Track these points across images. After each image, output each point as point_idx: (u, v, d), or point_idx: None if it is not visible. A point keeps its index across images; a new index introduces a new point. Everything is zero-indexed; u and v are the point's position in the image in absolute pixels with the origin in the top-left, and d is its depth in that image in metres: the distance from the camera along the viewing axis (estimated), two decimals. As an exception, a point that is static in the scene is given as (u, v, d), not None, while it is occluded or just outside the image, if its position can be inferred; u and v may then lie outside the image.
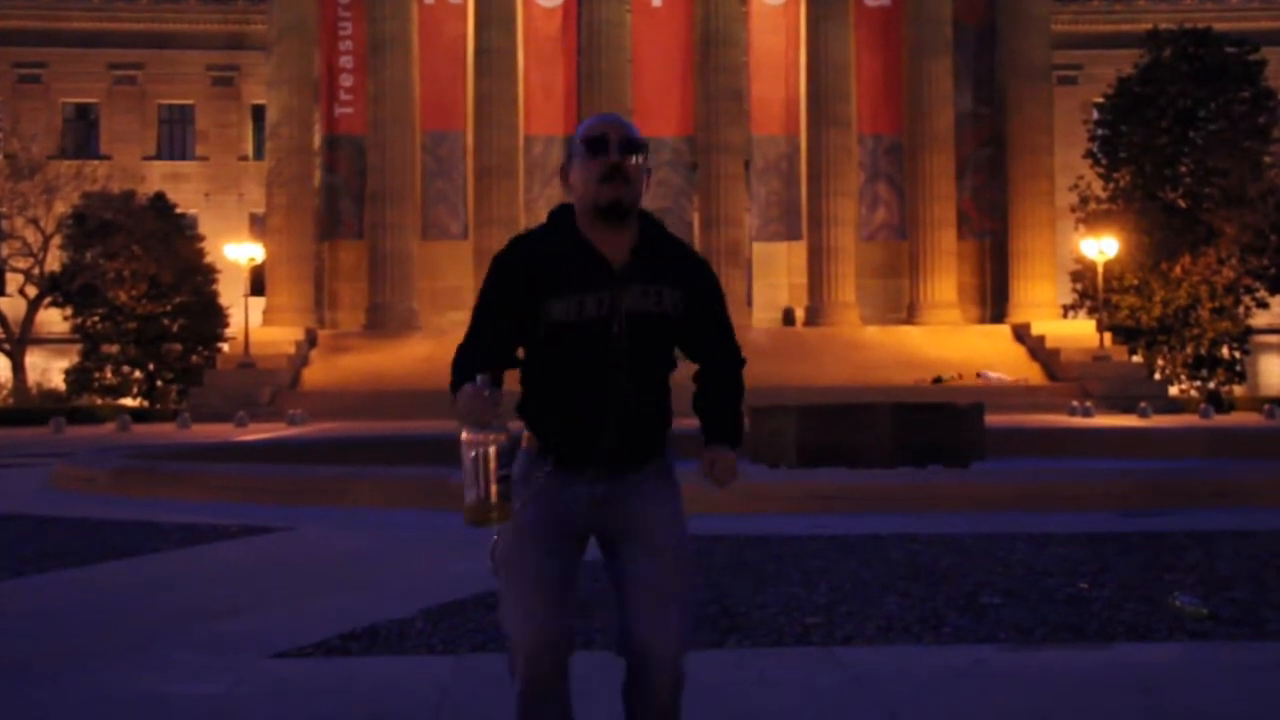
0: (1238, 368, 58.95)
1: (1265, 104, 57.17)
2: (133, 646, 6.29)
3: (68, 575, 8.84)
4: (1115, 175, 58.59)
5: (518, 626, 3.40)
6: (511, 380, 3.42)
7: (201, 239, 61.35)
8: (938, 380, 49.65)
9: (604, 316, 3.39)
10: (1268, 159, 57.05)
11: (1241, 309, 57.64)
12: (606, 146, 3.45)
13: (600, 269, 3.42)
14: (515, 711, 3.46)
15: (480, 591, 7.56)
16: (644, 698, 3.41)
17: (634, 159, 3.46)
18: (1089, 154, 59.74)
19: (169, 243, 58.07)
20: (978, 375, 51.54)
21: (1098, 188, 59.04)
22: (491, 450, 3.17)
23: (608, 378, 3.41)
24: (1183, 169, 57.45)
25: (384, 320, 56.95)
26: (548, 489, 3.42)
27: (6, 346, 58.13)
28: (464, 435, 3.22)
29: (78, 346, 59.52)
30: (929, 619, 6.69)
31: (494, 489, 3.19)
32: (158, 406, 56.26)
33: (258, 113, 65.09)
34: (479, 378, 3.31)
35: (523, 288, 3.42)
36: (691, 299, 3.53)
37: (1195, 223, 56.14)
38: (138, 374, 58.70)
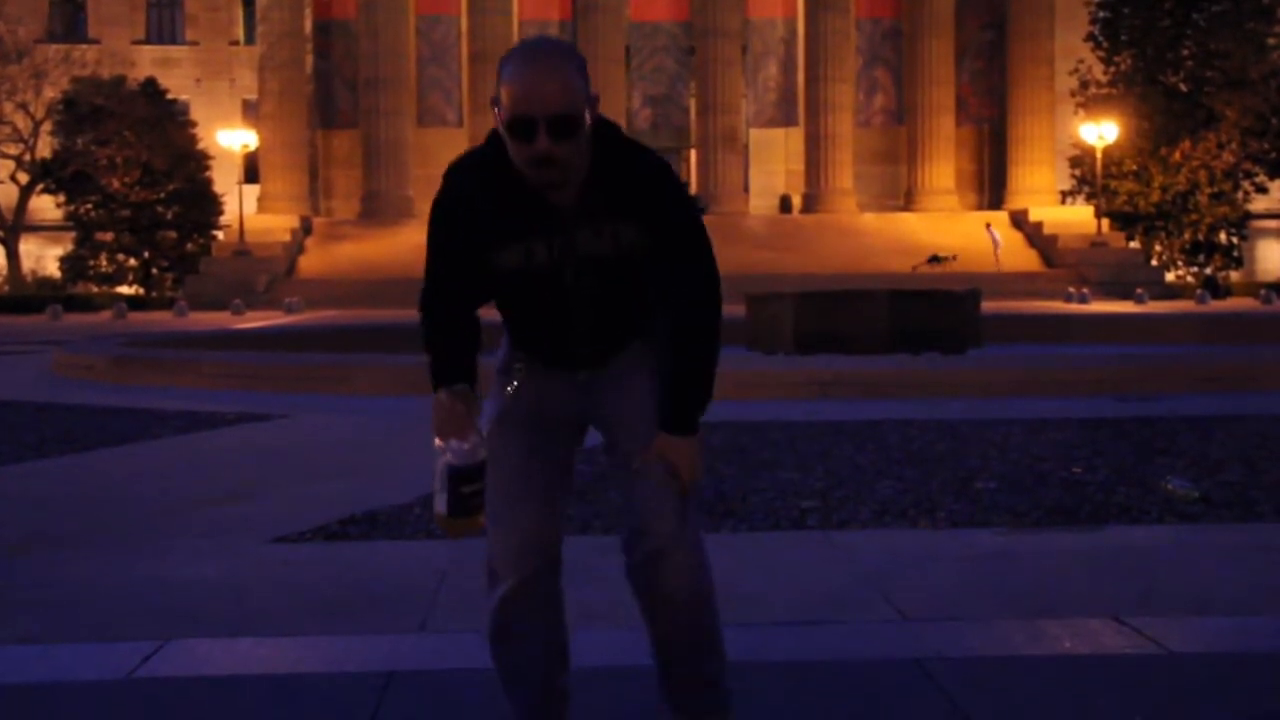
0: (1235, 253, 58.88)
1: (1270, -17, 56.44)
2: (132, 532, 6.34)
3: (67, 461, 8.89)
4: (1116, 59, 58.00)
5: (499, 525, 3.17)
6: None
7: (194, 125, 60.83)
8: (934, 259, 49.73)
9: (555, 262, 3.03)
10: (1271, 40, 56.41)
11: (1240, 194, 57.42)
12: (533, 132, 2.87)
13: (545, 212, 3.00)
14: (493, 618, 3.26)
15: (478, 477, 7.61)
16: (657, 588, 3.14)
17: (569, 140, 2.89)
18: (1090, 37, 59.05)
19: (161, 129, 57.57)
20: (986, 226, 52.34)
21: (1098, 72, 58.45)
22: (450, 464, 3.01)
23: (571, 317, 3.11)
24: (1184, 51, 56.86)
25: (380, 208, 56.70)
26: (528, 380, 3.21)
27: (0, 234, 57.86)
28: (436, 442, 3.07)
29: (72, 234, 59.28)
30: (924, 503, 6.74)
31: (451, 504, 3.07)
32: (154, 294, 56.22)
33: (248, -4, 64.19)
34: (451, 391, 3.10)
35: (467, 233, 3.06)
36: (651, 233, 3.05)
37: (1196, 107, 55.69)
38: (133, 262, 58.55)
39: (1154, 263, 55.64)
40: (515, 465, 3.17)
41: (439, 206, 3.09)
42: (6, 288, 56.60)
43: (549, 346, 3.18)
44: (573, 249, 3.03)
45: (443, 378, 3.15)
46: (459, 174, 3.08)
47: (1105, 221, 54.09)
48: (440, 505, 3.06)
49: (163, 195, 57.86)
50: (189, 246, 58.34)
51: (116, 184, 56.73)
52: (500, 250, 3.04)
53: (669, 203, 3.07)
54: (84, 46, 61.81)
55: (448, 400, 3.09)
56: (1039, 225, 54.99)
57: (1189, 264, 58.00)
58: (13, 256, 58.04)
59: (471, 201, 3.03)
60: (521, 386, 3.22)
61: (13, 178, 58.25)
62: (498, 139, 3.01)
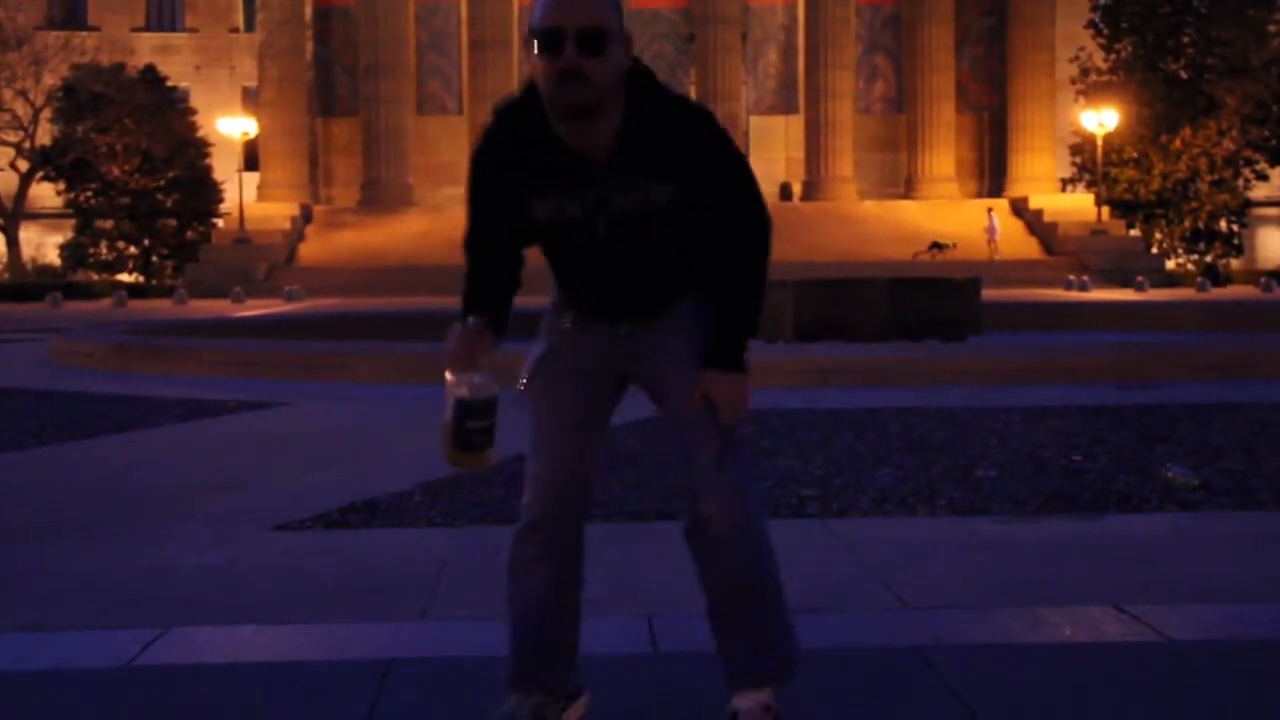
0: (1235, 241, 58.85)
1: (1271, -30, 56.35)
2: (133, 519, 6.34)
3: (67, 449, 8.89)
4: (1117, 46, 57.93)
5: (534, 461, 3.23)
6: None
7: (193, 113, 60.77)
8: (935, 246, 49.82)
9: (587, 218, 3.04)
10: (1272, 27, 56.33)
11: (1241, 181, 57.36)
12: (561, 43, 2.86)
13: (576, 168, 3.01)
14: (511, 548, 3.26)
15: (478, 465, 7.61)
16: (707, 548, 3.13)
17: (597, 58, 2.87)
18: (1090, 24, 58.96)
19: (161, 116, 57.52)
20: (989, 210, 52.62)
21: (1098, 59, 58.39)
22: (459, 397, 3.02)
23: (607, 270, 3.13)
24: (1185, 38, 56.79)
25: (379, 196, 56.66)
26: (569, 331, 3.24)
27: (0, 221, 57.83)
28: (447, 375, 3.08)
29: (72, 222, 59.25)
30: (924, 492, 6.74)
31: (457, 439, 3.07)
32: (154, 282, 56.21)
33: (248, -17, 64.06)
34: (470, 320, 3.13)
35: (503, 182, 3.09)
36: (694, 187, 3.03)
37: (1196, 94, 55.62)
38: (133, 249, 58.55)
39: (1154, 250, 55.62)
40: (552, 408, 3.23)
41: (478, 153, 3.13)
42: (6, 275, 56.59)
43: (590, 296, 3.21)
44: (604, 206, 3.04)
45: (467, 306, 3.20)
46: (497, 121, 3.10)
47: (1105, 209, 54.06)
48: (446, 440, 3.07)
49: (163, 183, 57.82)
50: (189, 234, 58.32)
51: (116, 171, 56.68)
52: (533, 202, 3.07)
53: (711, 155, 3.05)
54: (83, 33, 61.74)
55: (462, 332, 3.13)
56: (1039, 213, 54.97)
57: (1189, 252, 57.97)
58: (13, 244, 58.01)
59: (507, 150, 3.06)
60: (566, 332, 3.25)
61: (13, 165, 58.21)
62: (535, 90, 3.02)
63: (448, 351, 3.11)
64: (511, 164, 3.05)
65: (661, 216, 3.05)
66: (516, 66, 57.95)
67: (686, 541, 3.20)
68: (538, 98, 3.00)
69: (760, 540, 3.18)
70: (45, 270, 59.00)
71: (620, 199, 3.03)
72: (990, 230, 51.55)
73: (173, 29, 68.14)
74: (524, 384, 3.27)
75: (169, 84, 60.89)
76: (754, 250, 3.10)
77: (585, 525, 3.32)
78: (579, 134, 2.99)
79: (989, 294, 20.65)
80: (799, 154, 59.58)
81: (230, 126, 55.16)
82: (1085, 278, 45.66)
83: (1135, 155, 56.22)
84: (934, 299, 17.24)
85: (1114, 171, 56.14)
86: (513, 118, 3.07)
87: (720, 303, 3.10)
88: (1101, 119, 53.35)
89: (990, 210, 53.02)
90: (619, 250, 3.09)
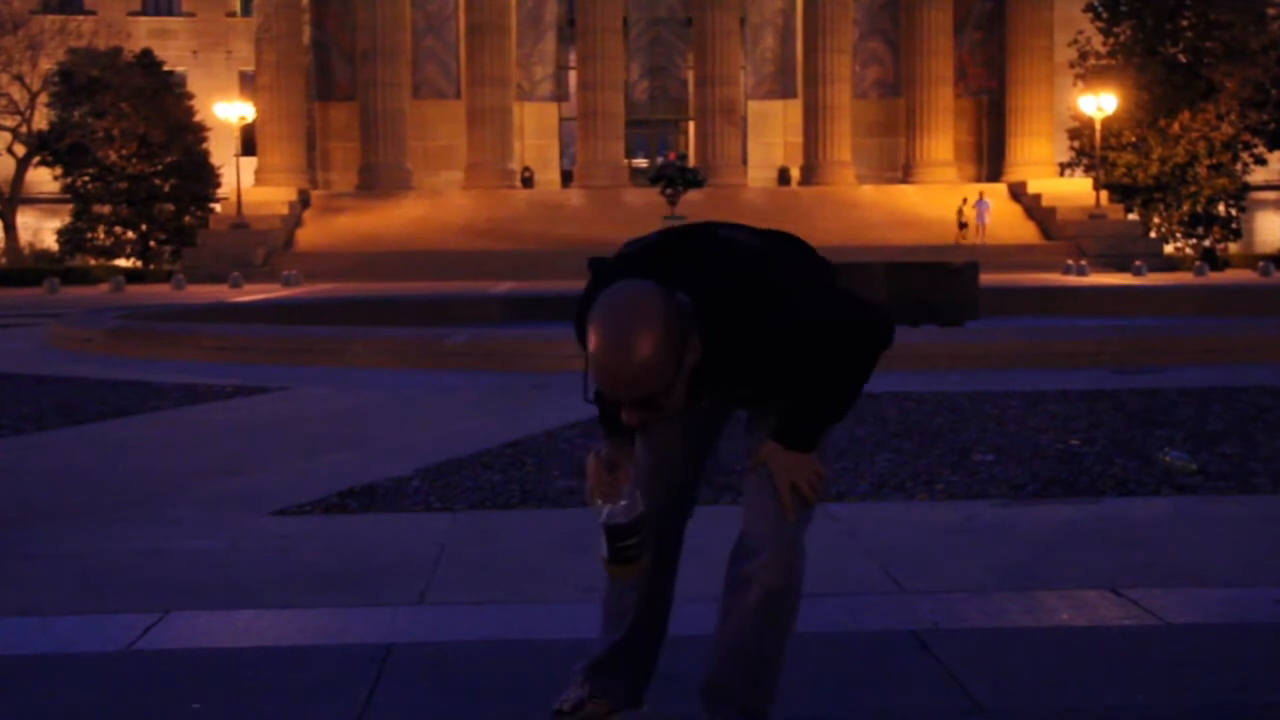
0: (1234, 225, 58.82)
1: (1270, -47, 56.25)
2: (132, 504, 6.35)
3: (66, 434, 8.89)
4: (1115, 29, 57.81)
5: (642, 490, 3.16)
6: None
7: (191, 97, 60.65)
8: (963, 226, 51.21)
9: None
10: (1271, 11, 56.23)
11: (1239, 166, 57.30)
12: (618, 405, 2.81)
13: None
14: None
15: (477, 450, 7.63)
16: (735, 590, 3.07)
17: (656, 411, 2.80)
18: (1089, 7, 58.84)
19: (158, 101, 57.40)
20: (980, 195, 52.96)
21: (1097, 43, 58.27)
22: (605, 524, 3.05)
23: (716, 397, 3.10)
24: (1184, 22, 56.67)
25: (377, 180, 56.58)
26: None
27: (-3, 206, 57.76)
28: (594, 502, 3.11)
29: (69, 206, 59.16)
30: (921, 476, 6.75)
31: (613, 557, 3.08)
32: (151, 267, 56.15)
33: (244, -34, 63.93)
34: (604, 451, 3.11)
35: None
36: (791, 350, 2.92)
37: (1195, 78, 55.53)
38: (130, 234, 58.47)
39: (1152, 235, 55.58)
40: (650, 447, 3.22)
41: (578, 309, 2.98)
42: (4, 260, 56.53)
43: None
44: (699, 402, 3.00)
45: (603, 426, 3.18)
46: (588, 295, 2.95)
47: (1104, 193, 54.01)
48: (602, 551, 3.09)
49: (160, 167, 57.72)
50: (186, 219, 58.24)
51: (113, 156, 56.58)
52: None
53: (786, 323, 2.89)
54: (80, 18, 61.58)
55: (596, 463, 3.10)
56: (1037, 197, 54.92)
57: (1187, 236, 57.94)
58: (10, 229, 57.94)
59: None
60: None
61: (9, 150, 58.09)
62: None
63: (589, 482, 3.10)
64: None
65: (763, 383, 3.01)
66: (514, 51, 57.83)
67: (726, 582, 3.12)
68: (634, 255, 2.97)
69: (790, 625, 3.12)
70: (43, 255, 58.93)
71: (712, 394, 3.00)
72: (980, 216, 51.59)
73: (170, 13, 67.97)
74: None
75: (166, 68, 60.75)
76: (861, 350, 2.98)
77: (680, 548, 3.35)
78: None
79: (987, 278, 20.64)
80: (797, 139, 59.47)
81: (227, 111, 55.06)
82: (1083, 262, 45.64)
83: (1134, 139, 56.16)
84: (932, 284, 17.24)
85: (1112, 156, 56.07)
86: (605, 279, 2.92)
87: (811, 390, 3.00)
88: (1100, 103, 53.27)
89: (981, 196, 52.82)
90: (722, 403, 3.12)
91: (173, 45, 65.20)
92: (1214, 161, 55.90)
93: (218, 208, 57.66)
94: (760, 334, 2.88)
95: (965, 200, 52.65)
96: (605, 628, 3.36)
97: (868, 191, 56.99)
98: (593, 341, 2.74)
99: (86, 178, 57.77)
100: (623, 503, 3.06)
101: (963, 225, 51.70)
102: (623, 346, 2.70)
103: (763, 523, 3.03)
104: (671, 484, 3.26)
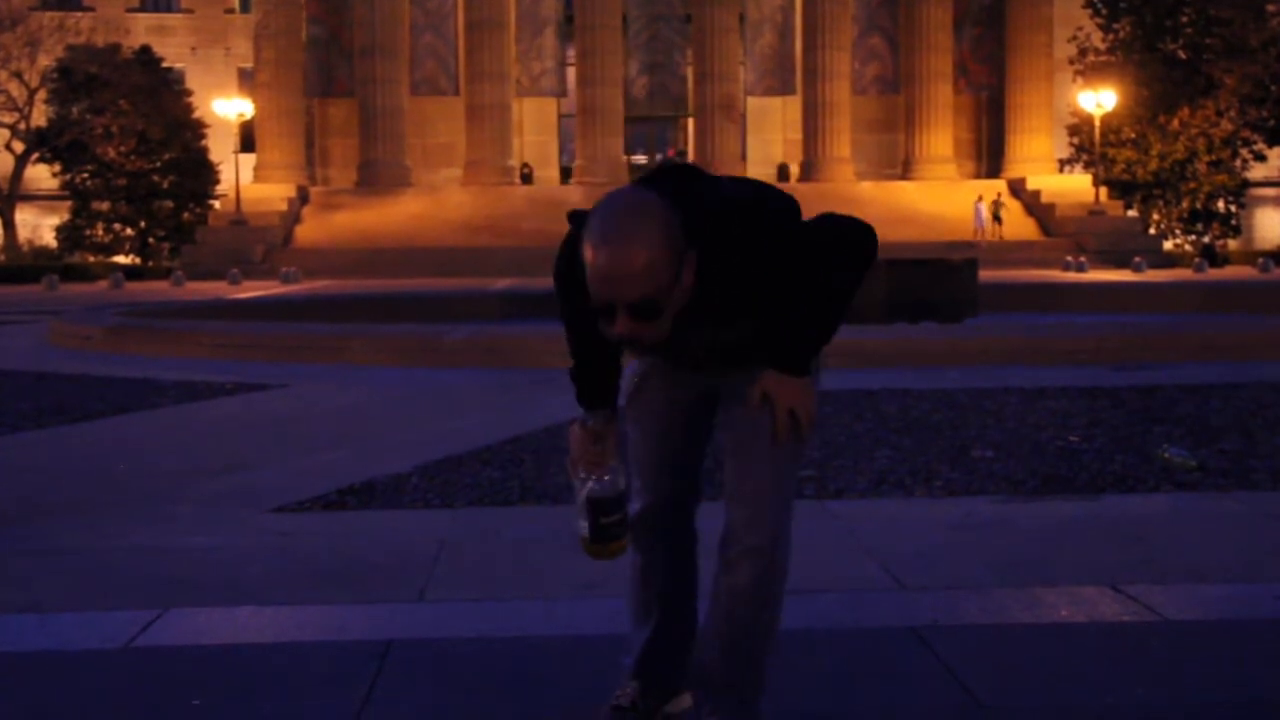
0: (1233, 221, 58.79)
1: (1270, -52, 56.19)
2: (131, 501, 6.35)
3: (65, 431, 8.89)
4: (1115, 26, 57.78)
5: (637, 479, 3.22)
6: None
7: (189, 94, 60.57)
8: (996, 217, 51.23)
9: (669, 343, 2.94)
10: (1271, 7, 56.18)
11: (1239, 162, 57.27)
12: (613, 315, 2.75)
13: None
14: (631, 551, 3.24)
15: (475, 447, 7.63)
16: (727, 573, 3.07)
17: (653, 321, 2.76)
18: (1089, 3, 58.81)
19: (156, 98, 57.34)
20: (980, 198, 52.72)
21: (1097, 39, 58.25)
22: (590, 497, 3.01)
23: (690, 356, 3.09)
24: (1184, 18, 56.64)
25: (376, 177, 56.53)
26: (654, 372, 3.21)
27: (-4, 203, 57.70)
28: (576, 473, 3.06)
29: (68, 203, 59.11)
30: (921, 472, 6.75)
31: (594, 533, 3.03)
32: (150, 264, 56.11)
33: (243, -37, 63.82)
34: (590, 421, 3.07)
35: (579, 298, 2.92)
36: (778, 286, 2.92)
37: (1195, 74, 55.51)
38: (129, 231, 58.43)
39: (1152, 231, 55.57)
40: (645, 435, 3.22)
41: (558, 259, 3.02)
42: (3, 258, 56.46)
43: (672, 359, 3.16)
44: (682, 345, 2.99)
45: (582, 401, 3.15)
46: (567, 246, 2.98)
47: (1103, 190, 53.99)
48: (583, 530, 3.05)
49: (159, 164, 57.66)
50: (185, 216, 58.19)
51: (112, 153, 56.52)
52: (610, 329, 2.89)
53: (780, 261, 2.90)
54: (78, 14, 61.47)
55: (582, 434, 3.08)
56: (1037, 194, 54.89)
57: (1187, 232, 57.92)
58: (9, 226, 57.89)
59: (576, 277, 2.91)
60: (649, 378, 3.23)
61: (8, 146, 58.03)
62: None
63: (573, 452, 3.07)
64: (582, 287, 2.86)
65: (750, 323, 2.99)
66: (513, 47, 57.78)
67: (717, 572, 3.13)
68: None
69: (778, 610, 3.14)
70: (42, 252, 58.88)
71: (699, 334, 2.98)
72: (978, 220, 51.49)
73: (168, 10, 67.88)
74: (623, 403, 3.24)
75: (165, 65, 60.68)
76: (850, 264, 3.00)
77: (695, 537, 3.31)
78: None
79: (986, 275, 20.64)
80: (796, 135, 59.43)
81: (226, 108, 55.00)
82: (1083, 259, 45.62)
83: (1133, 136, 56.13)
84: (931, 280, 17.22)
85: (1112, 152, 56.04)
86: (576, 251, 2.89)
87: (800, 307, 2.98)
88: (1099, 99, 53.24)
89: (980, 199, 52.64)
90: (703, 346, 3.05)
91: (171, 42, 65.12)
92: (1213, 158, 55.88)
93: (217, 204, 57.61)
94: (755, 259, 2.88)
95: (980, 198, 52.59)
96: (635, 623, 3.34)
97: (867, 188, 56.95)
98: (593, 243, 2.69)
99: (85, 174, 57.71)
100: (607, 477, 3.02)
101: (997, 219, 51.75)
102: (626, 241, 2.67)
103: (747, 507, 3.04)
104: (676, 472, 3.25)
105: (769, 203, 2.99)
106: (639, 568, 3.30)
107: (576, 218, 2.93)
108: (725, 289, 2.89)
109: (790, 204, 3.05)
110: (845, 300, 3.03)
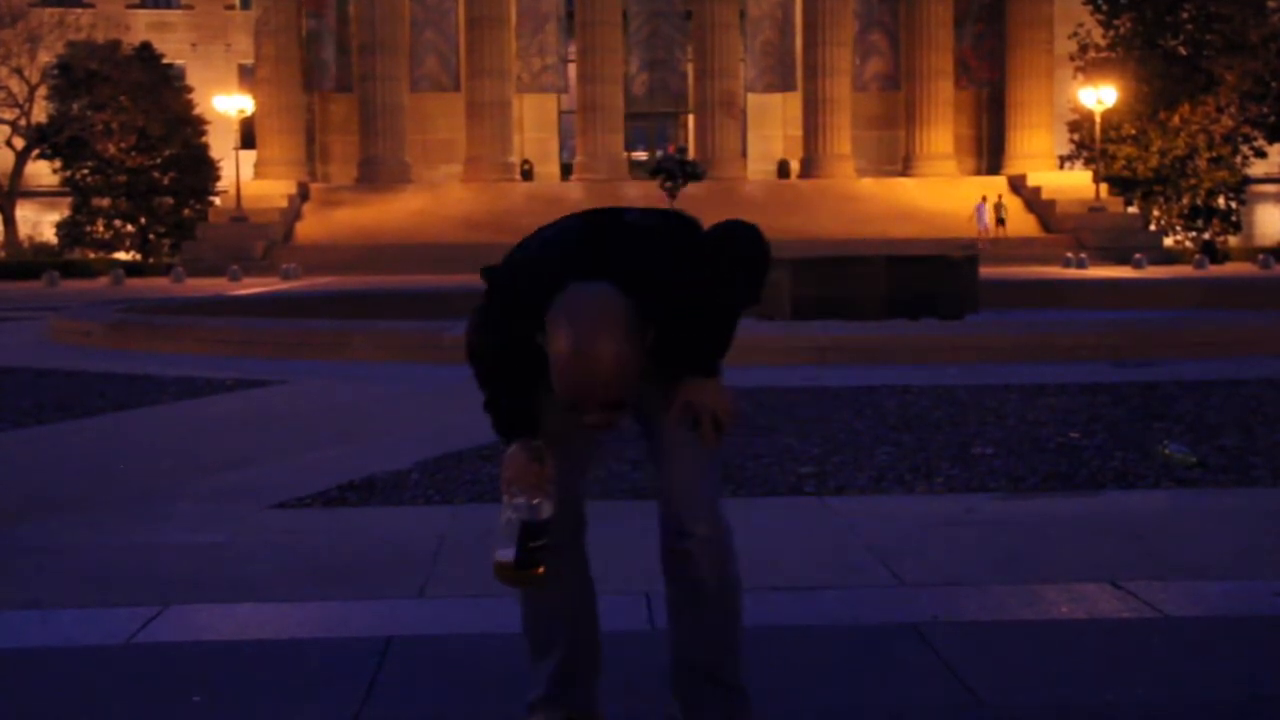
0: (1233, 218, 58.75)
1: (1271, -56, 56.09)
2: (132, 497, 6.35)
3: (65, 427, 8.89)
4: (1115, 22, 57.72)
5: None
6: None
7: (190, 90, 60.48)
8: (1000, 221, 51.61)
9: None
10: (1271, 3, 56.13)
11: (1239, 159, 57.22)
12: (584, 411, 2.83)
13: None
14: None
15: (476, 444, 7.62)
16: (688, 579, 3.12)
17: (621, 411, 2.85)
18: (1089, 0, 58.72)
19: (157, 94, 57.27)
20: (984, 199, 52.58)
21: (1097, 35, 58.18)
22: (524, 520, 2.96)
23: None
24: (1184, 15, 56.58)
25: (376, 173, 56.51)
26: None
27: (-4, 199, 57.65)
28: (507, 497, 3.01)
29: (68, 200, 59.05)
30: (921, 469, 6.75)
31: (518, 558, 2.97)
32: (151, 260, 56.06)
33: (243, -41, 63.70)
34: (533, 444, 3.04)
35: (512, 321, 3.00)
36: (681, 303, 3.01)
37: (1195, 70, 55.45)
38: (129, 227, 58.37)
39: (1152, 228, 55.54)
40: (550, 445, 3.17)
41: (469, 333, 3.09)
42: (3, 254, 56.44)
43: None
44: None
45: (513, 431, 3.11)
46: (479, 315, 3.08)
47: (1104, 186, 53.96)
48: (505, 555, 3.00)
49: (159, 161, 57.60)
50: (186, 212, 58.12)
51: (112, 149, 56.46)
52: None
53: (694, 272, 3.00)
54: (78, 10, 61.38)
55: (522, 456, 3.05)
56: (1037, 190, 54.87)
57: (1187, 229, 57.89)
58: (9, 222, 57.85)
59: (517, 301, 2.98)
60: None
61: (8, 143, 57.98)
62: (550, 252, 3.01)
63: (508, 475, 3.04)
64: (521, 311, 2.94)
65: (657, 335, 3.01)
66: (514, 43, 57.75)
67: (664, 567, 3.16)
68: (553, 257, 2.97)
69: (739, 587, 3.19)
70: (42, 249, 58.85)
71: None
72: (980, 219, 51.36)
73: (168, 6, 67.77)
74: None
75: (165, 61, 60.59)
76: (751, 273, 3.12)
77: (587, 553, 3.30)
78: None
79: (986, 271, 20.63)
80: (797, 131, 59.40)
81: (227, 104, 54.96)
82: (1083, 255, 45.61)
83: (1134, 132, 56.09)
84: (931, 277, 17.22)
85: (1112, 149, 56.01)
86: (522, 280, 2.99)
87: (710, 316, 3.10)
88: (1100, 96, 53.20)
89: (984, 199, 52.47)
90: None
91: (171, 38, 65.03)
92: (1214, 154, 55.83)
93: (217, 201, 57.55)
94: (691, 298, 2.98)
95: (984, 199, 52.33)
96: (536, 654, 3.29)
97: (867, 184, 56.92)
98: (564, 356, 2.76)
99: (85, 171, 57.65)
100: (537, 500, 2.98)
101: (1001, 221, 51.60)
102: (597, 359, 2.75)
103: (690, 504, 3.11)
104: (577, 480, 3.23)
105: (676, 230, 3.09)
106: (543, 594, 3.23)
107: (493, 276, 3.06)
108: (669, 330, 2.96)
109: (691, 221, 3.14)
110: (747, 302, 3.15)
